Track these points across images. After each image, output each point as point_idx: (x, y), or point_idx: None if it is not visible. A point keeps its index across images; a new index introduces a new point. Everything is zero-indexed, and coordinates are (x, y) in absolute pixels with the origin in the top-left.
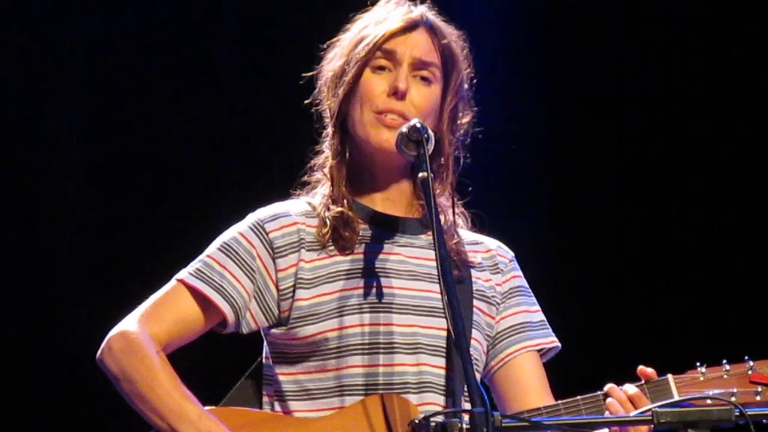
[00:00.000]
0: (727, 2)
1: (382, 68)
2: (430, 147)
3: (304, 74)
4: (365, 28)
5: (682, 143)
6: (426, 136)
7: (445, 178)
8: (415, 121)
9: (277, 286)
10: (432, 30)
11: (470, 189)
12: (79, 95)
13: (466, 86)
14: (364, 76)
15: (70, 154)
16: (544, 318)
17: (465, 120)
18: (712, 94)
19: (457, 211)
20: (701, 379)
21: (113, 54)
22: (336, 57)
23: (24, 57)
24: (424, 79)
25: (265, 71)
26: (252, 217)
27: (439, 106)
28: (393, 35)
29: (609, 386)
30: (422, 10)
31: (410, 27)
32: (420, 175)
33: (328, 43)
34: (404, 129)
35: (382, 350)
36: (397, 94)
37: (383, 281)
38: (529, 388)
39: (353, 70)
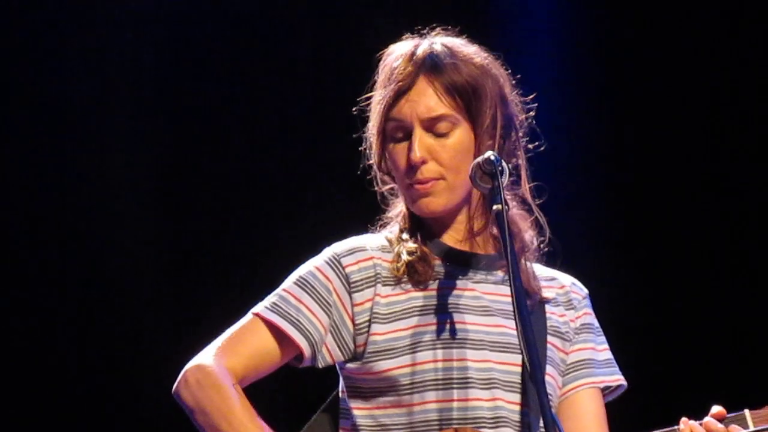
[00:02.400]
0: None
1: (399, 134)
2: (505, 179)
3: (354, 135)
4: (378, 85)
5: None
6: (500, 168)
7: (517, 205)
8: (489, 154)
9: (353, 321)
10: (433, 73)
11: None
12: (145, 113)
13: (499, 106)
14: (388, 148)
15: (142, 183)
16: (611, 357)
17: (512, 138)
18: None
19: (529, 245)
20: None
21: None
22: (371, 112)
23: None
24: (440, 134)
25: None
26: (328, 252)
27: (474, 142)
28: (394, 101)
29: (684, 420)
30: (424, 51)
31: (408, 84)
32: (494, 207)
33: (359, 106)
34: (479, 160)
35: (456, 386)
36: (413, 168)
37: (457, 317)
38: (587, 424)
39: (378, 144)
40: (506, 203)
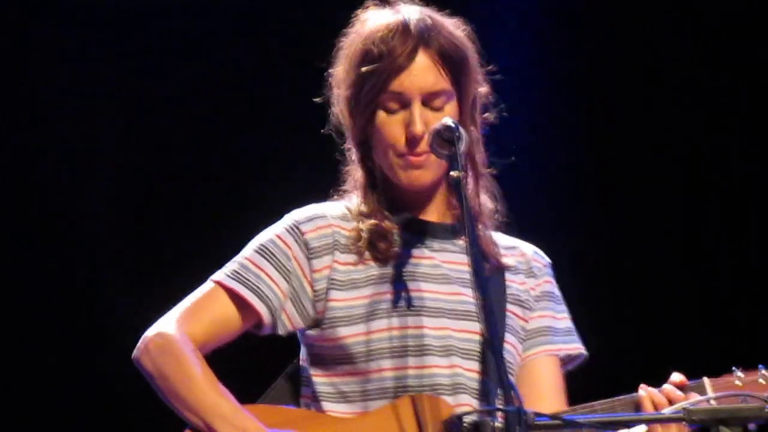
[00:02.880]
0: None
1: (393, 106)
2: (463, 145)
3: (315, 99)
4: (365, 59)
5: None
6: (458, 134)
7: (476, 181)
8: (447, 120)
9: (312, 287)
10: (431, 46)
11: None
12: (110, 92)
13: (479, 78)
14: (379, 119)
15: (100, 148)
16: (571, 326)
17: (483, 101)
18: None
19: (490, 212)
20: (737, 383)
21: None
22: (345, 82)
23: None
24: (437, 107)
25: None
26: (288, 219)
27: (459, 116)
28: (396, 74)
29: (643, 386)
30: (417, 24)
31: (410, 57)
32: (452, 174)
33: (328, 60)
34: (437, 126)
35: (411, 353)
36: (415, 140)
37: (413, 285)
38: (543, 391)
39: (365, 113)
40: (464, 170)
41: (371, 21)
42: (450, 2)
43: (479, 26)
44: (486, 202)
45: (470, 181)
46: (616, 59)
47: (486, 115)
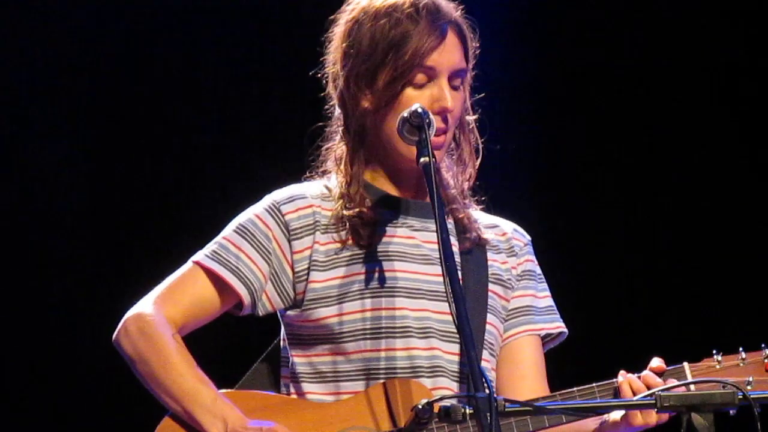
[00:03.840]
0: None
1: (423, 84)
2: (432, 131)
3: (312, 72)
4: (390, 28)
5: (690, 139)
6: (427, 120)
7: (467, 158)
8: (416, 106)
9: (292, 268)
10: (458, 29)
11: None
12: (69, 86)
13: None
14: (406, 93)
15: (71, 134)
16: (552, 304)
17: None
18: (722, 92)
19: (468, 189)
20: (717, 367)
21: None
22: (357, 54)
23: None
24: (456, 86)
25: (271, 49)
26: (268, 199)
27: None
28: (433, 49)
29: (622, 372)
30: (445, 5)
31: (443, 34)
32: (422, 160)
33: (332, 20)
34: (405, 114)
35: (384, 335)
36: (444, 112)
37: (387, 265)
38: (523, 371)
39: (392, 86)
40: (433, 155)
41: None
42: None
43: None
44: (468, 180)
45: (460, 162)
46: (587, 47)
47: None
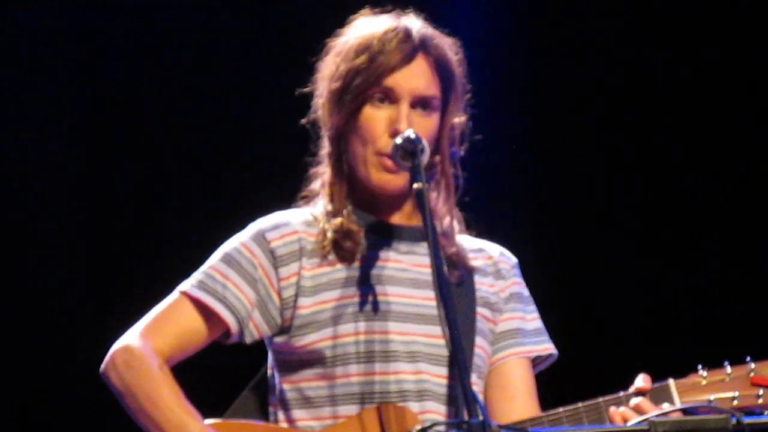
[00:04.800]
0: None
1: (381, 101)
2: (425, 157)
3: (299, 90)
4: (362, 54)
5: (680, 143)
6: (420, 146)
7: (448, 193)
8: (409, 132)
9: (279, 295)
10: (431, 56)
11: (467, 192)
12: (67, 95)
13: (463, 98)
14: (364, 111)
15: (61, 160)
16: (541, 326)
17: (461, 128)
18: (712, 94)
19: (456, 216)
20: (703, 383)
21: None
22: (332, 76)
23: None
24: (424, 110)
25: (265, 75)
26: (253, 227)
27: (439, 130)
28: (391, 71)
29: (613, 411)
30: (420, 33)
31: (409, 58)
32: (414, 186)
33: (320, 53)
34: (398, 140)
35: (378, 359)
36: (397, 136)
37: (380, 289)
38: (514, 393)
39: (351, 103)
40: (427, 182)
41: (369, 23)
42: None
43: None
44: (453, 208)
45: (441, 192)
46: (577, 59)
47: (461, 123)
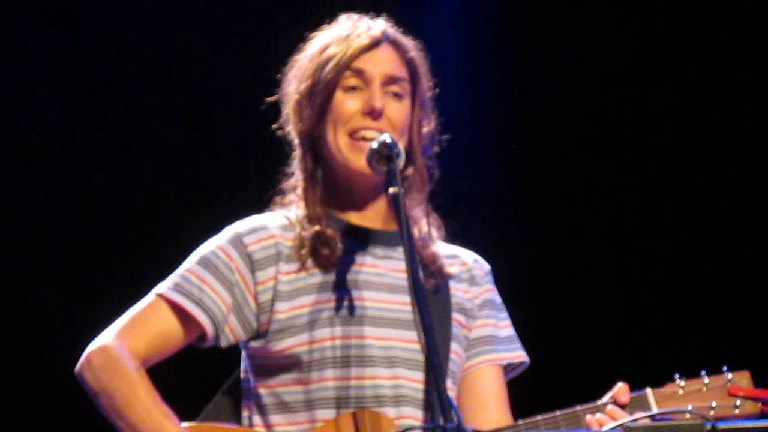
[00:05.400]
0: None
1: (353, 88)
2: (401, 162)
3: (267, 99)
4: (328, 48)
5: (665, 145)
6: (396, 151)
7: (420, 190)
8: (385, 137)
9: (255, 299)
10: (396, 44)
11: (441, 198)
12: (55, 103)
13: (429, 96)
14: (336, 97)
15: (46, 162)
16: (513, 333)
17: (430, 128)
18: (703, 93)
19: (432, 222)
20: (680, 393)
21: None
22: (300, 78)
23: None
24: (396, 94)
25: (240, 81)
26: (230, 231)
27: (410, 119)
28: (360, 53)
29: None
30: (383, 26)
31: (375, 43)
32: (391, 190)
33: (286, 67)
34: (374, 145)
35: (354, 363)
36: (374, 113)
37: (356, 294)
38: (485, 400)
39: (323, 92)
40: (402, 186)
41: (330, 30)
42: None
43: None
44: (430, 215)
45: (415, 197)
46: (551, 61)
47: (430, 128)
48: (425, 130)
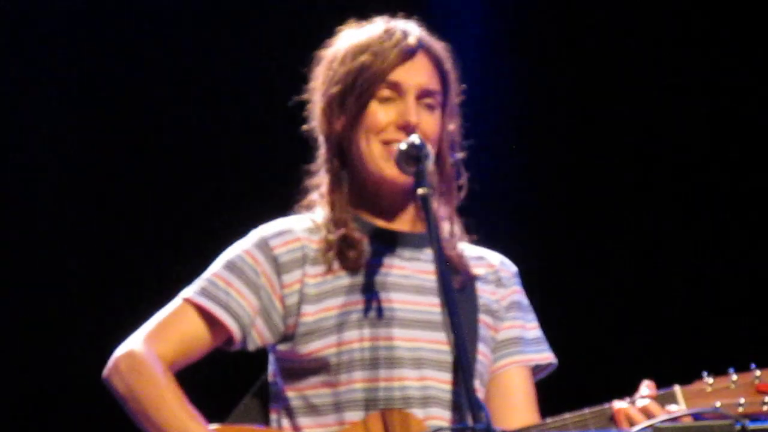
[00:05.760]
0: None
1: (388, 99)
2: (429, 163)
3: (295, 97)
4: (362, 54)
5: (683, 147)
6: (425, 152)
7: (448, 196)
8: (413, 138)
9: (282, 303)
10: (430, 54)
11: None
12: (70, 105)
13: (457, 102)
14: (370, 107)
15: (67, 168)
16: (540, 335)
17: (457, 132)
18: (720, 96)
19: (457, 223)
20: (708, 390)
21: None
22: (330, 80)
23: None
24: (429, 106)
25: (268, 80)
26: (256, 234)
27: (441, 129)
28: (396, 65)
29: (615, 402)
30: (417, 32)
31: (411, 53)
32: (419, 191)
33: (312, 62)
34: (403, 146)
35: (382, 365)
36: (408, 128)
37: (384, 296)
38: (514, 402)
39: (357, 102)
40: (431, 187)
41: (361, 30)
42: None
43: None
44: (456, 218)
45: (442, 204)
46: (578, 66)
47: (456, 129)
48: (452, 134)
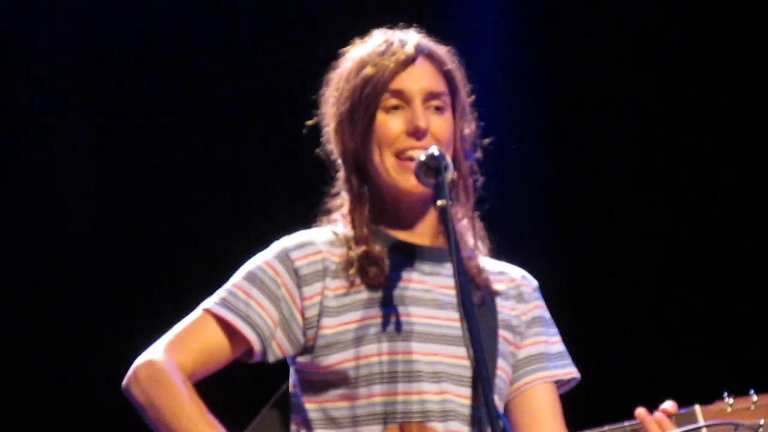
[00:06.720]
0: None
1: (394, 108)
2: (449, 174)
3: (308, 122)
4: (364, 68)
5: (701, 153)
6: (445, 163)
7: (466, 199)
8: (433, 149)
9: (302, 315)
10: (431, 57)
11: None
12: (88, 116)
13: (468, 101)
14: (378, 119)
15: (82, 174)
16: (563, 349)
17: (471, 132)
18: (729, 100)
19: (478, 234)
20: (728, 410)
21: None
22: (338, 100)
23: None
24: (437, 108)
25: (286, 96)
26: (277, 246)
27: (453, 130)
28: (397, 73)
29: (639, 411)
30: (415, 39)
31: (410, 60)
32: (439, 203)
33: (321, 90)
34: (422, 157)
35: (401, 379)
36: (418, 133)
37: (402, 310)
38: (541, 418)
39: (364, 116)
40: (451, 198)
41: (362, 47)
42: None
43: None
44: (476, 227)
45: (460, 209)
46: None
47: (470, 132)
48: (467, 135)
